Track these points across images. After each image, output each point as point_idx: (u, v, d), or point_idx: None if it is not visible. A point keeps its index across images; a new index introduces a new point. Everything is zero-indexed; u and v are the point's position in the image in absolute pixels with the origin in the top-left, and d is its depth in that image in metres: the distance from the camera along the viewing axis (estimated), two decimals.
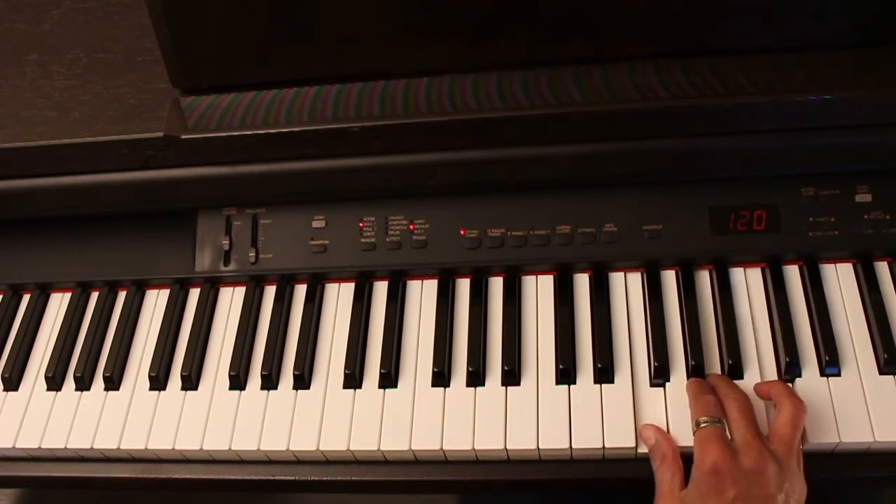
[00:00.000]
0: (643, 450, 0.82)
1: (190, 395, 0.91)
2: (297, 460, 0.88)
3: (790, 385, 0.82)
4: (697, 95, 0.82)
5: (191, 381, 0.92)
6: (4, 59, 0.97)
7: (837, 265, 0.91)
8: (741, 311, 0.89)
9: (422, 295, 0.94)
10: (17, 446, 0.90)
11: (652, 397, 0.85)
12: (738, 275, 0.92)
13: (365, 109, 0.85)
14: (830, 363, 0.84)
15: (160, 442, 0.88)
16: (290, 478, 0.87)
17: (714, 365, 0.87)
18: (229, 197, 0.96)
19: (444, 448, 0.84)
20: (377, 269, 0.95)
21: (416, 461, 0.86)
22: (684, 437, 0.81)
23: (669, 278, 0.92)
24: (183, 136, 0.87)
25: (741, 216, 0.90)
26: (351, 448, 0.85)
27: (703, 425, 0.77)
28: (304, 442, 0.86)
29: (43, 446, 0.90)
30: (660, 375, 0.86)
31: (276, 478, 0.87)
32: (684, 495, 0.76)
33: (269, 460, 0.88)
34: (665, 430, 0.82)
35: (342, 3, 0.83)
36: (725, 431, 0.77)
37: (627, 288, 0.92)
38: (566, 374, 0.86)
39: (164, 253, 0.98)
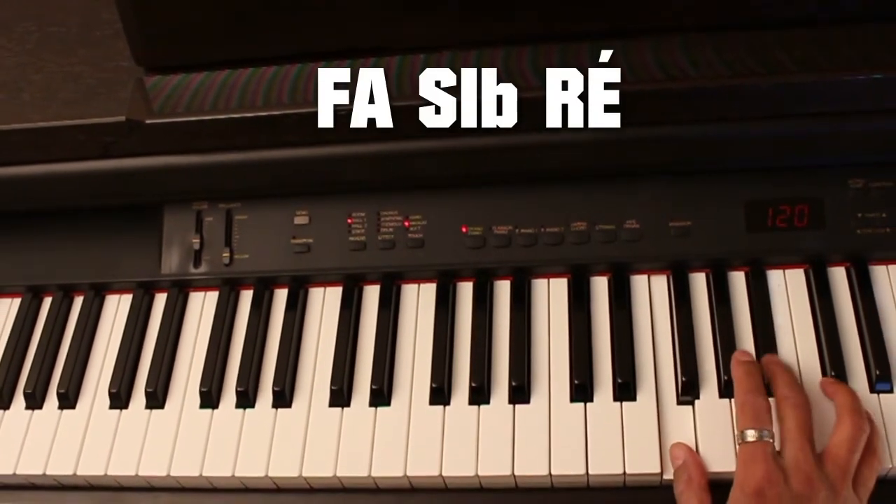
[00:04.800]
0: (669, 476, 0.79)
1: (156, 415, 0.89)
2: (278, 488, 0.85)
3: (857, 397, 0.79)
4: (731, 74, 0.80)
5: (156, 399, 0.90)
6: None
7: (889, 267, 0.88)
8: (780, 319, 0.87)
9: (418, 300, 0.92)
10: None
11: (679, 417, 0.82)
12: (776, 277, 0.89)
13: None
14: (882, 378, 0.81)
15: (122, 467, 0.86)
16: None
17: None
18: (200, 190, 0.94)
19: (444, 474, 0.82)
20: (367, 271, 0.93)
21: (411, 489, 0.84)
22: (716, 461, 0.79)
23: (699, 281, 0.90)
24: (147, 121, 0.85)
25: (781, 211, 0.88)
26: (338, 474, 0.83)
27: (749, 439, 0.76)
28: (285, 468, 0.84)
29: None
30: (688, 392, 0.83)
31: None
32: None
33: (246, 488, 0.86)
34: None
35: None
36: (774, 447, 0.75)
37: (651, 292, 0.90)
38: (582, 391, 0.84)
39: (126, 253, 0.96)
